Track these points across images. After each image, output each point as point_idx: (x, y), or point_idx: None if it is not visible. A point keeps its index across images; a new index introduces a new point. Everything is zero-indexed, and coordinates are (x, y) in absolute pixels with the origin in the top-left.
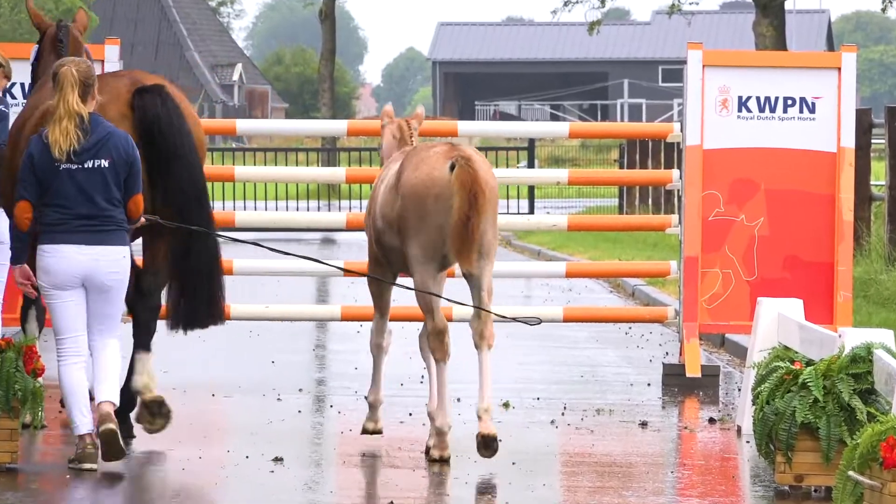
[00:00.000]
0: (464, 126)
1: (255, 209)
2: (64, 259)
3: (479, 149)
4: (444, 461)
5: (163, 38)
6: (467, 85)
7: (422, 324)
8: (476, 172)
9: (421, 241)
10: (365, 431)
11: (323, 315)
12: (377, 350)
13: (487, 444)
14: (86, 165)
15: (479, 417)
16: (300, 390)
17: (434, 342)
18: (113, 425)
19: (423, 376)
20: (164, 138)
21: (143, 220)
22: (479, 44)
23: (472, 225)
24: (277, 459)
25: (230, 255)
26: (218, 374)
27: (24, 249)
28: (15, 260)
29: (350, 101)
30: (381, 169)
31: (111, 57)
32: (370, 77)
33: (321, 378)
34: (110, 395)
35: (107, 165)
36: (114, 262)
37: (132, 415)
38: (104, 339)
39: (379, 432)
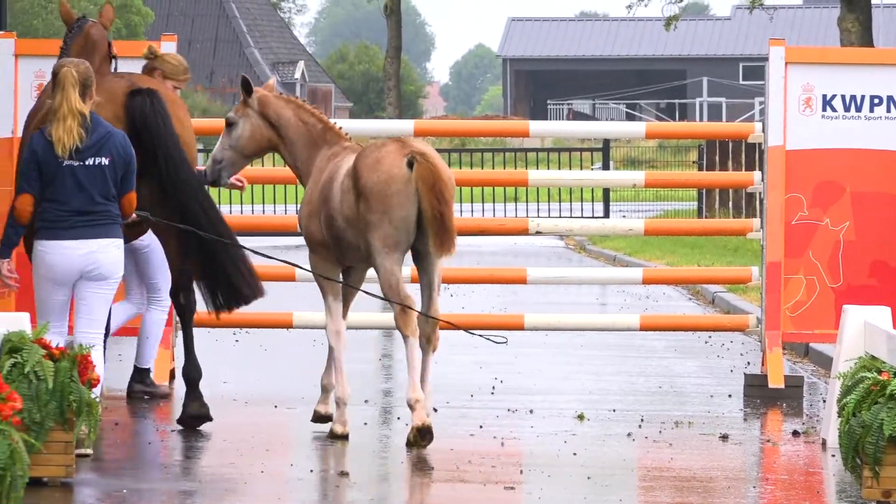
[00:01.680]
0: (535, 126)
1: None
2: (64, 255)
3: (552, 150)
4: (422, 430)
5: (221, 35)
6: (539, 83)
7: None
8: (435, 166)
9: (387, 233)
10: (317, 418)
11: (389, 323)
12: (336, 337)
13: (423, 436)
14: (87, 163)
15: (411, 408)
16: (366, 401)
17: (400, 319)
18: None
19: (493, 388)
20: (150, 138)
21: (134, 216)
22: (551, 40)
23: (445, 217)
24: (343, 474)
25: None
26: (280, 385)
27: (14, 243)
28: (4, 252)
29: (417, 99)
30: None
31: None
32: (438, 75)
33: (387, 389)
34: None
35: (107, 163)
36: (110, 252)
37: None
38: (90, 335)
39: (345, 437)
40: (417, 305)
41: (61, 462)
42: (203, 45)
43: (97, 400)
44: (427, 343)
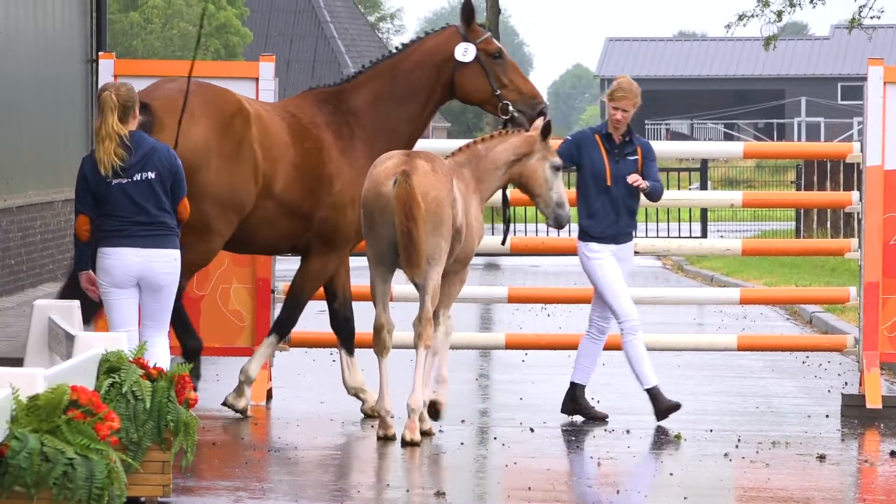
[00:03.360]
0: None
1: None
2: (121, 260)
3: None
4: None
5: (319, 56)
6: None
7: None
8: (412, 188)
9: (372, 247)
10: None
11: (486, 343)
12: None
13: (408, 445)
14: (134, 178)
15: (409, 415)
16: (462, 421)
17: (374, 337)
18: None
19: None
20: None
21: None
22: (649, 60)
23: (414, 238)
24: (440, 494)
25: None
26: None
27: (86, 258)
28: (79, 266)
29: None
30: None
31: (266, 74)
32: None
33: (484, 409)
34: None
35: (153, 177)
36: (166, 263)
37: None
38: (155, 337)
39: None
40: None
41: (158, 482)
42: (301, 66)
43: (194, 419)
44: (418, 339)
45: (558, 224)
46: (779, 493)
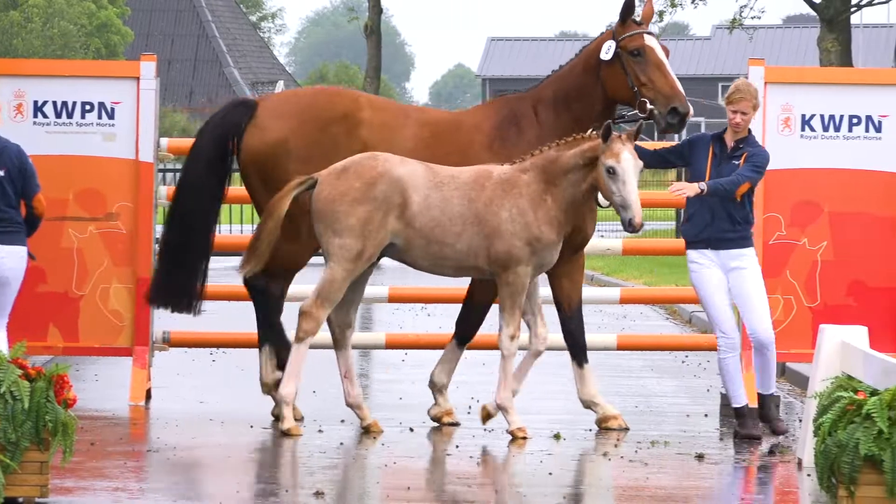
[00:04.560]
0: None
1: None
2: None
3: None
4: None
5: (201, 55)
6: None
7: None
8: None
9: None
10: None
11: (367, 343)
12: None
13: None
14: None
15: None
16: (342, 421)
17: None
18: None
19: (470, 407)
20: None
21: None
22: (531, 60)
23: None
24: (318, 493)
25: None
26: (257, 405)
27: None
28: None
29: None
30: None
31: (147, 74)
32: (417, 95)
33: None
34: None
35: (2, 175)
36: (13, 258)
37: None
38: None
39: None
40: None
41: (36, 482)
42: (183, 65)
43: (73, 419)
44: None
45: (628, 227)
46: (657, 492)
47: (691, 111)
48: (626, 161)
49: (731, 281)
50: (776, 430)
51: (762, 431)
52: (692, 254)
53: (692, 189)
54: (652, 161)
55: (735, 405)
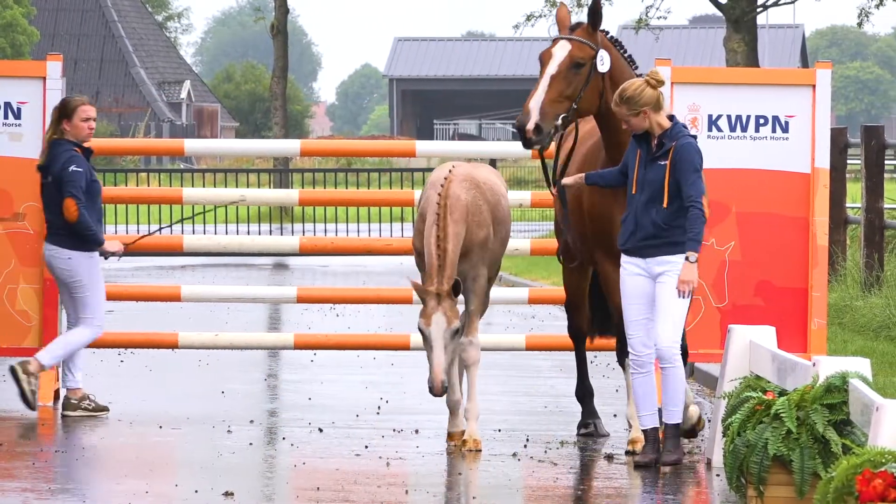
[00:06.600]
0: (422, 146)
1: (205, 233)
2: None
3: None
4: None
5: (107, 55)
6: (426, 103)
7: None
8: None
9: None
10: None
11: (275, 343)
12: None
13: None
14: None
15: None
16: (251, 422)
17: None
18: None
19: (379, 408)
20: None
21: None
22: (437, 60)
23: None
24: (228, 494)
25: (178, 281)
26: (165, 405)
27: None
28: None
29: (303, 119)
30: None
31: (53, 73)
32: (324, 95)
33: (273, 409)
34: None
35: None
36: (54, 259)
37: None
38: None
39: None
40: None
41: None
42: (89, 65)
43: None
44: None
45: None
46: (567, 492)
47: (519, 122)
48: (436, 325)
49: (656, 290)
50: (665, 462)
51: (659, 458)
52: (623, 258)
53: (693, 275)
54: (619, 180)
55: (641, 427)
